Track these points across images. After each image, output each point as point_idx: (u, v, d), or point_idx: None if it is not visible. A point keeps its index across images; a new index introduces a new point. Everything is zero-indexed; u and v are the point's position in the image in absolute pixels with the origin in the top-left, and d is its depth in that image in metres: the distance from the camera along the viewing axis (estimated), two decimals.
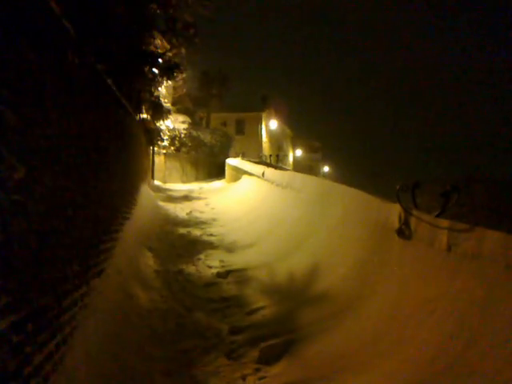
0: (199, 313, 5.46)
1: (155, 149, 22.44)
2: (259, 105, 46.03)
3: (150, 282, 6.32)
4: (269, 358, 4.09)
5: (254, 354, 4.23)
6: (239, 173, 19.52)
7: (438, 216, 3.72)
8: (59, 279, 3.06)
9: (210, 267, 7.50)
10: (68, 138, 3.43)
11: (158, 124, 19.10)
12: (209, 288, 6.48)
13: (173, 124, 27.25)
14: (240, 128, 45.16)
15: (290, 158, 58.90)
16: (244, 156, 27.20)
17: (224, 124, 43.30)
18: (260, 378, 3.84)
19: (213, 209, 14.34)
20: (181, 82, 22.38)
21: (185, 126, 30.62)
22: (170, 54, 11.29)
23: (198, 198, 17.19)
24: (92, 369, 3.33)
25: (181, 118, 30.34)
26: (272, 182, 12.39)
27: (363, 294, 4.43)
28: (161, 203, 14.49)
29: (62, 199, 3.22)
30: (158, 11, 9.89)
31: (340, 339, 3.95)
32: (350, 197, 6.38)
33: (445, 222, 3.46)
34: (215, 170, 31.83)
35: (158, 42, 10.84)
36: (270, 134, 48.41)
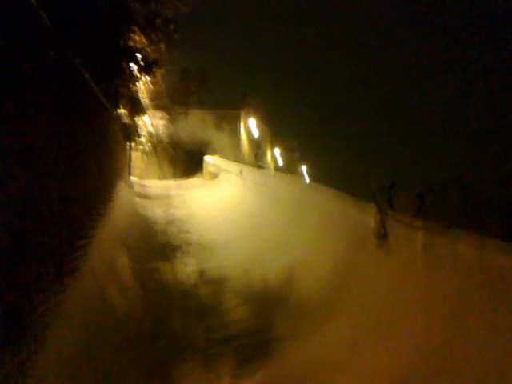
0: (175, 312, 5.42)
1: (132, 145, 22.18)
2: (239, 103, 45.91)
3: (126, 280, 6.24)
4: (245, 357, 4.10)
5: (230, 352, 4.22)
6: (217, 170, 19.46)
7: (413, 216, 3.77)
8: (32, 276, 2.99)
9: (186, 265, 7.45)
10: (43, 134, 3.35)
11: (135, 120, 18.87)
12: (185, 287, 6.43)
13: (150, 120, 26.96)
14: (219, 126, 44.86)
15: (269, 157, 58.97)
16: (222, 154, 27.12)
17: (203, 121, 42.99)
18: (234, 377, 3.84)
19: (190, 206, 14.23)
20: (159, 78, 22.15)
21: (163, 122, 30.34)
22: (148, 50, 11.14)
23: (176, 195, 17.04)
24: (65, 371, 3.26)
25: (159, 114, 30.02)
26: (250, 181, 12.37)
27: (341, 294, 4.47)
28: (137, 200, 14.32)
29: (36, 195, 3.15)
30: (138, 5, 9.74)
31: (318, 339, 3.98)
32: (327, 197, 6.42)
33: (419, 222, 3.51)
34: (193, 167, 31.55)
35: (136, 37, 10.68)
36: (249, 132, 48.40)
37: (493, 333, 2.42)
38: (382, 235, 4.17)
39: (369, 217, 4.50)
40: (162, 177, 28.21)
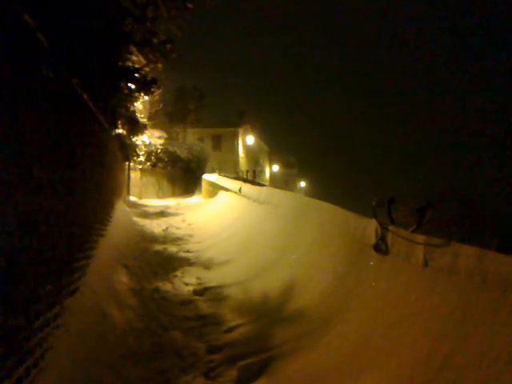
0: (176, 331, 5.36)
1: (131, 164, 22.25)
2: (236, 120, 46.30)
3: (126, 300, 6.19)
4: (248, 377, 4.03)
5: (232, 373, 4.16)
6: (216, 188, 19.47)
7: (414, 231, 3.76)
8: (31, 299, 2.96)
9: (187, 284, 7.40)
10: (41, 154, 3.35)
11: (133, 139, 18.96)
12: (185, 306, 6.38)
13: (149, 139, 27.09)
14: (217, 143, 45.25)
15: (267, 174, 59.18)
16: (221, 171, 27.20)
17: (201, 139, 43.28)
18: None
19: (189, 225, 14.22)
20: (157, 97, 22.32)
21: (161, 141, 30.50)
22: (146, 69, 11.24)
23: (175, 214, 17.03)
24: None
25: (157, 133, 30.20)
26: (249, 198, 12.37)
27: (341, 311, 4.42)
28: (136, 219, 14.30)
29: (34, 216, 3.14)
30: (134, 26, 9.85)
31: (318, 357, 3.93)
32: (326, 212, 6.40)
33: (421, 238, 3.49)
34: (192, 186, 31.69)
35: (134, 57, 10.78)
36: (247, 149, 48.63)
37: (494, 353, 2.38)
38: (383, 250, 4.14)
39: (369, 231, 4.48)
40: (161, 195, 28.23)
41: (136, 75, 10.26)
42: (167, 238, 11.85)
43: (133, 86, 10.94)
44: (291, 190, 45.07)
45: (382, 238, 4.19)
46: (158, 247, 10.47)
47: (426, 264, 3.35)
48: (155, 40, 10.70)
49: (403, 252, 3.76)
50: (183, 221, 15.11)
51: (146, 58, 11.11)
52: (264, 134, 53.25)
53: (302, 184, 67.31)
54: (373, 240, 4.32)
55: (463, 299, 2.80)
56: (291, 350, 4.32)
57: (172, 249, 10.37)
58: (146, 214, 16.38)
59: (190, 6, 9.77)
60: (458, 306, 2.82)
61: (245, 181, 17.30)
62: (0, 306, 2.41)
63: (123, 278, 7.06)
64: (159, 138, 30.46)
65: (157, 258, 9.32)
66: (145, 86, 10.93)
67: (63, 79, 4.26)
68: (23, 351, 2.71)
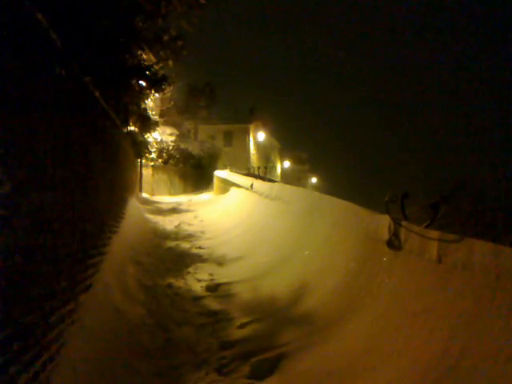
0: (188, 327, 5.39)
1: (143, 161, 22.36)
2: (247, 117, 46.25)
3: (139, 296, 6.24)
4: (260, 373, 4.03)
5: (245, 368, 4.16)
6: (227, 185, 19.50)
7: (427, 227, 3.72)
8: (46, 296, 2.99)
9: (199, 281, 7.43)
10: (55, 151, 3.38)
11: (145, 136, 19.06)
12: (198, 302, 6.41)
13: (160, 136, 27.24)
14: (228, 140, 45.26)
15: (278, 170, 59.08)
16: (232, 168, 27.24)
17: (212, 136, 43.36)
18: None
19: (201, 221, 14.27)
20: (168, 94, 22.41)
21: (172, 138, 30.64)
22: (157, 67, 11.28)
23: (187, 211, 17.11)
24: None
25: (168, 130, 30.35)
26: (261, 194, 12.37)
27: (353, 308, 4.41)
28: (149, 216, 14.39)
29: (48, 213, 3.17)
30: (145, 24, 9.88)
31: (331, 353, 3.92)
32: (339, 208, 6.38)
33: (434, 233, 3.46)
34: (203, 182, 31.78)
35: (144, 54, 10.83)
36: (258, 145, 48.58)
37: (509, 350, 2.35)
38: (396, 246, 4.11)
39: (382, 227, 4.45)
40: (173, 192, 28.36)
41: (147, 73, 10.30)
42: (179, 235, 11.90)
43: (144, 84, 10.99)
44: (303, 186, 44.97)
45: (395, 234, 4.16)
46: (171, 244, 10.53)
47: (439, 260, 3.32)
48: (166, 37, 10.72)
49: (416, 248, 3.73)
50: (195, 217, 15.17)
51: (156, 55, 11.14)
52: (275, 130, 53.14)
53: (314, 180, 67.05)
54: (386, 236, 4.29)
55: (477, 296, 2.77)
56: (303, 346, 4.31)
57: (184, 245, 10.42)
58: (159, 211, 16.47)
59: (202, 1, 9.75)
60: (473, 302, 2.79)
61: (256, 177, 17.32)
62: (17, 303, 2.44)
63: (136, 274, 7.12)
64: (171, 134, 30.60)
65: (169, 255, 9.37)
66: (156, 84, 10.98)
67: (75, 77, 4.29)
68: (39, 346, 2.74)
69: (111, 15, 7.54)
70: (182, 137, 34.50)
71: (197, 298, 6.55)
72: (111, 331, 4.64)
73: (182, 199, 22.90)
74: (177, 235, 11.85)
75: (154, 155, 26.35)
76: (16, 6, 2.60)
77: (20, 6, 2.66)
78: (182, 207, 18.37)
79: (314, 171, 68.71)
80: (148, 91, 11.92)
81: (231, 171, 23.71)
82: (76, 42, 5.22)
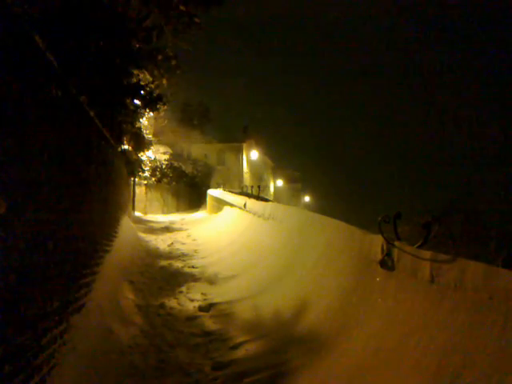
0: (181, 348, 5.34)
1: (136, 179, 22.35)
2: (240, 136, 46.53)
3: (131, 316, 6.18)
4: None
5: None
6: (221, 204, 19.50)
7: (419, 247, 3.75)
8: (39, 316, 2.97)
9: (192, 300, 7.38)
10: (49, 171, 3.40)
11: (139, 155, 19.09)
12: (191, 322, 6.35)
13: (154, 155, 27.28)
14: (221, 159, 45.40)
15: (271, 189, 59.21)
16: (225, 186, 27.27)
17: (205, 154, 43.49)
18: None
19: (194, 240, 14.23)
20: (162, 114, 22.51)
21: (166, 156, 30.71)
22: (152, 86, 11.38)
23: (180, 230, 17.06)
24: None
25: (162, 148, 30.44)
26: (254, 213, 12.38)
27: (348, 327, 4.40)
28: (142, 235, 14.33)
29: (42, 233, 3.16)
30: (140, 45, 10.02)
31: (325, 373, 3.90)
32: (332, 228, 6.40)
33: (427, 254, 3.48)
34: (196, 201, 31.78)
35: (139, 74, 10.93)
36: (251, 164, 48.75)
37: (505, 367, 2.36)
38: (390, 266, 4.13)
39: (375, 247, 4.48)
40: (166, 211, 28.29)
41: (142, 92, 10.40)
42: (172, 254, 11.85)
43: (138, 103, 11.08)
44: (296, 204, 45.04)
45: (388, 254, 4.18)
46: (163, 263, 10.47)
47: (432, 280, 3.34)
48: (160, 57, 10.87)
49: (409, 268, 3.75)
50: (188, 236, 15.12)
51: (151, 74, 11.26)
52: (268, 148, 53.43)
53: (307, 199, 67.26)
54: (379, 256, 4.31)
55: (471, 315, 2.79)
56: (298, 366, 4.28)
57: (177, 264, 10.37)
58: (151, 230, 16.41)
59: (197, 20, 9.91)
60: (466, 321, 2.81)
61: (249, 196, 17.34)
62: (9, 324, 2.42)
63: (129, 294, 7.06)
64: (164, 153, 30.68)
65: (162, 274, 9.32)
66: (151, 103, 11.08)
67: (71, 97, 4.33)
68: (31, 368, 2.71)
69: (106, 38, 7.64)
70: (175, 155, 34.60)
71: (190, 318, 6.49)
72: (103, 352, 4.59)
73: (175, 218, 22.86)
74: (169, 254, 11.80)
75: (147, 174, 26.36)
76: (14, 28, 2.64)
77: (18, 29, 2.71)
78: (175, 226, 18.33)
79: (307, 190, 68.97)
80: (143, 110, 12.01)
81: (224, 190, 23.74)
82: (72, 63, 5.27)
